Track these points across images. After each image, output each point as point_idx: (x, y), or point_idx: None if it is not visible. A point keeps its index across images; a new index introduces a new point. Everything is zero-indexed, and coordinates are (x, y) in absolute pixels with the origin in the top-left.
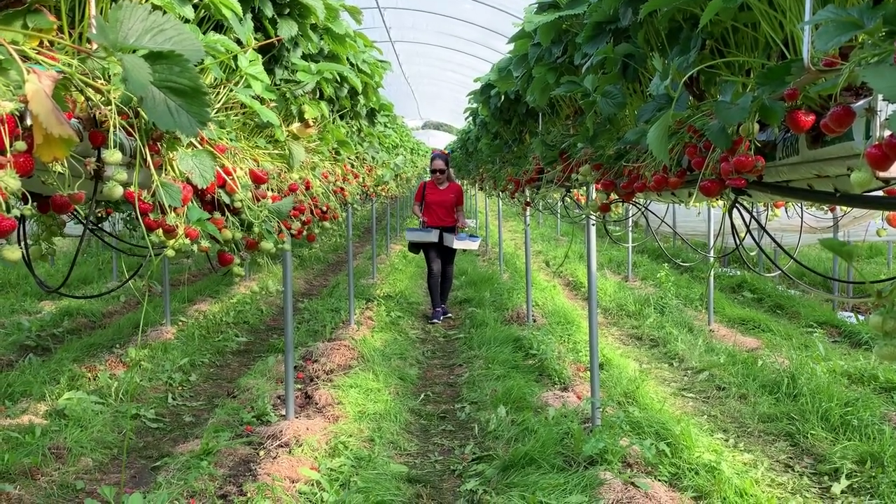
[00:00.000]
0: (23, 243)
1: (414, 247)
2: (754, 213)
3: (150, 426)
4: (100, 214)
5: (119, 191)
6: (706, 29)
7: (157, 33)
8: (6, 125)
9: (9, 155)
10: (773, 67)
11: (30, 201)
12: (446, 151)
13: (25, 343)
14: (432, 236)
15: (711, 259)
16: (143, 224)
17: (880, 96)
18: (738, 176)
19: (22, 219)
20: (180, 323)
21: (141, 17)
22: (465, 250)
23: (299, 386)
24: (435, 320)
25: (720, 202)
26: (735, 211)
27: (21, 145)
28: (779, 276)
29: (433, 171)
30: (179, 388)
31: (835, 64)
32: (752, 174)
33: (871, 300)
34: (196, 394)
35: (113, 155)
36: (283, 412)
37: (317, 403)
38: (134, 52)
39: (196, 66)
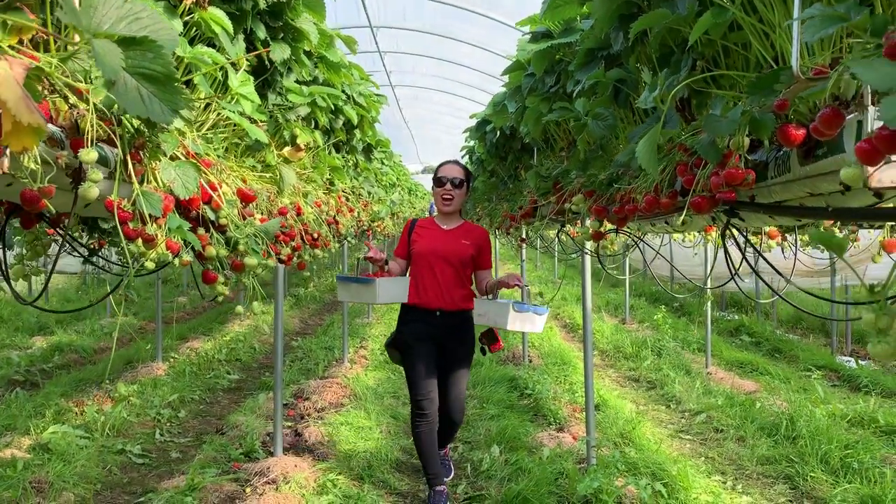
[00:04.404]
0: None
1: (394, 350)
2: (747, 247)
3: (135, 462)
4: (92, 246)
5: (95, 192)
6: (696, 49)
7: (132, 21)
8: None
9: None
10: (763, 76)
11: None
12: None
13: (14, 378)
14: (372, 292)
15: (708, 291)
16: (122, 233)
17: (872, 109)
18: (729, 189)
19: (2, 231)
20: (171, 359)
21: (116, 5)
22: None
23: (289, 423)
24: None
25: (714, 233)
26: (734, 248)
27: None
28: (777, 321)
29: (440, 183)
30: (168, 424)
31: (824, 73)
32: (742, 188)
33: (866, 296)
34: (184, 430)
35: (89, 154)
36: (272, 449)
37: (307, 441)
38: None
39: (185, 83)
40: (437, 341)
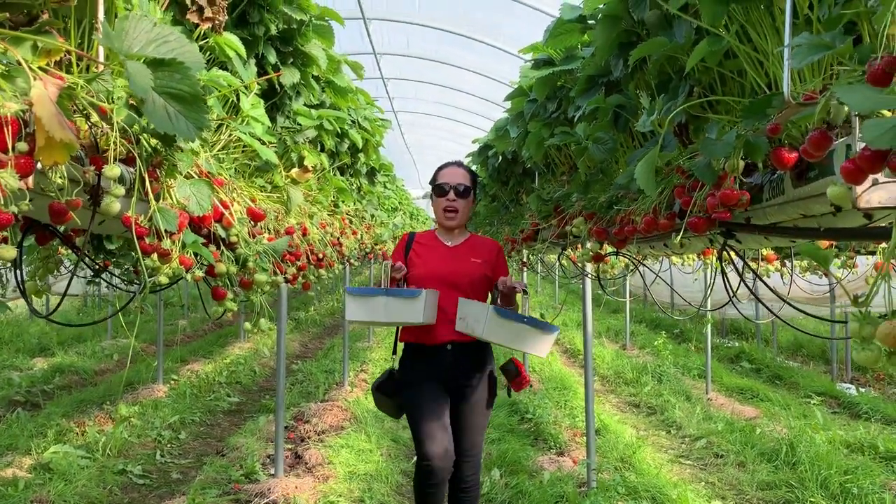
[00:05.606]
0: (19, 273)
1: (384, 399)
2: (746, 270)
3: (136, 482)
4: (98, 266)
5: (116, 207)
6: (693, 76)
7: (161, 44)
8: (10, 126)
9: (11, 154)
10: (756, 101)
11: (27, 198)
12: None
13: (15, 398)
14: (415, 308)
15: (708, 314)
16: (139, 248)
17: (858, 131)
18: (725, 209)
19: (20, 247)
20: (172, 381)
21: (146, 29)
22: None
23: (290, 446)
24: None
25: (713, 256)
26: (733, 273)
27: (23, 146)
28: (777, 348)
29: (441, 192)
30: (168, 445)
31: (814, 98)
32: (737, 208)
33: (851, 306)
34: (185, 451)
35: (112, 170)
36: (273, 471)
37: (307, 463)
38: (139, 60)
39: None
40: (448, 383)
